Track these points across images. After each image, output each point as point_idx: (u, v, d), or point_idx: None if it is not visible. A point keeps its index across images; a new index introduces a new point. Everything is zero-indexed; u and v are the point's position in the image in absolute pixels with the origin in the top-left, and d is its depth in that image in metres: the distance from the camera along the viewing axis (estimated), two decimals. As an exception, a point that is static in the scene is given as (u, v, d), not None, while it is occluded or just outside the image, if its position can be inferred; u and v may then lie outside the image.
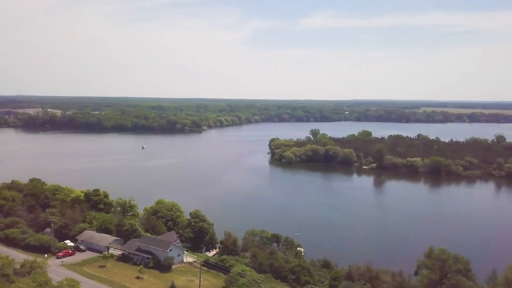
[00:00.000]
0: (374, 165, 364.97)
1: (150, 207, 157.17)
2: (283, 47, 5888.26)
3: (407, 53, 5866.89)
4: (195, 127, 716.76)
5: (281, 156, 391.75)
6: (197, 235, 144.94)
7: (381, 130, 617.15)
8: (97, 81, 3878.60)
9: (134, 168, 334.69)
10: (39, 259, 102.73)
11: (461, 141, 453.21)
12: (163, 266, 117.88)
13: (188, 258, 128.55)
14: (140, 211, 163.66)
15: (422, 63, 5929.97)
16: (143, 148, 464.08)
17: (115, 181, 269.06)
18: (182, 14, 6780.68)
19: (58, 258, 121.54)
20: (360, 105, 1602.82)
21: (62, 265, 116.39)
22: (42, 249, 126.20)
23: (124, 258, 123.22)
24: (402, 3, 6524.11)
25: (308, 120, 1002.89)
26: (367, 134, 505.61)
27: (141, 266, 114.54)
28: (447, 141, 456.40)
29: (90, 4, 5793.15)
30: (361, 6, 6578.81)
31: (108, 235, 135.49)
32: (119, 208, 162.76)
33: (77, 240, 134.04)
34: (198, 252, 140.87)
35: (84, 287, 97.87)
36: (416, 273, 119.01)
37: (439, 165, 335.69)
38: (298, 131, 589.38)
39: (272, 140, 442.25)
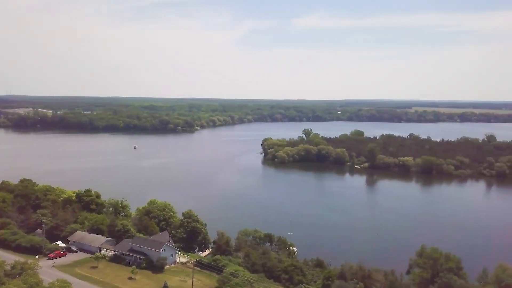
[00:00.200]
0: (366, 164, 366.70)
1: (142, 208, 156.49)
2: (276, 47, 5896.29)
3: (399, 54, 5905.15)
4: (188, 127, 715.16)
5: (274, 156, 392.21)
6: (190, 235, 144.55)
7: (373, 130, 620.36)
8: (88, 81, 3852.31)
9: (127, 168, 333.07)
10: (30, 261, 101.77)
11: (452, 140, 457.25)
12: (155, 267, 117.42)
13: (181, 258, 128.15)
14: (133, 211, 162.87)
15: (413, 63, 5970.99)
16: (135, 148, 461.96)
17: (107, 181, 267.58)
18: (174, 13, 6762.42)
19: (49, 259, 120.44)
20: (352, 105, 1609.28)
21: (53, 266, 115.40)
22: (33, 250, 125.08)
23: (116, 259, 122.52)
24: (393, 3, 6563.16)
25: (300, 120, 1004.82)
26: (359, 133, 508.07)
27: (134, 266, 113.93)
28: (438, 140, 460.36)
29: (82, 4, 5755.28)
30: (354, 6, 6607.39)
31: (100, 236, 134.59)
32: (111, 209, 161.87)
33: (68, 241, 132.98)
34: (191, 252, 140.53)
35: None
36: (408, 272, 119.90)
37: (431, 164, 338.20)
38: (291, 131, 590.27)
39: (265, 140, 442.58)
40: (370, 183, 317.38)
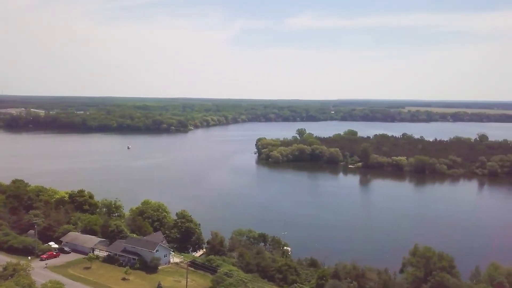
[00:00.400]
0: (359, 164, 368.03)
1: (136, 208, 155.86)
2: (269, 47, 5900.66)
3: (392, 54, 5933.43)
4: (181, 127, 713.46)
5: (268, 156, 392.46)
6: (183, 235, 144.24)
7: (366, 130, 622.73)
8: (81, 81, 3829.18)
9: (120, 169, 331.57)
10: (22, 262, 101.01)
11: (445, 140, 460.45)
12: (149, 267, 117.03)
13: (175, 258, 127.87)
14: (126, 211, 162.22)
15: (407, 64, 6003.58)
16: (128, 148, 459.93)
17: (100, 181, 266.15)
18: (166, 13, 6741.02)
19: (42, 260, 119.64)
20: (345, 104, 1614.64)
21: (46, 267, 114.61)
22: (26, 251, 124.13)
23: (109, 260, 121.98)
24: (386, 3, 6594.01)
25: (294, 120, 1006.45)
26: (352, 133, 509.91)
27: (127, 267, 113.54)
28: (431, 140, 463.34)
29: (73, 3, 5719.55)
30: (347, 6, 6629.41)
31: (94, 237, 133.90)
32: (104, 209, 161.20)
33: (61, 241, 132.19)
34: (185, 253, 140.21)
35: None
36: (401, 271, 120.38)
37: (424, 164, 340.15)
38: (285, 131, 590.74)
39: (258, 140, 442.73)
40: (364, 182, 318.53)
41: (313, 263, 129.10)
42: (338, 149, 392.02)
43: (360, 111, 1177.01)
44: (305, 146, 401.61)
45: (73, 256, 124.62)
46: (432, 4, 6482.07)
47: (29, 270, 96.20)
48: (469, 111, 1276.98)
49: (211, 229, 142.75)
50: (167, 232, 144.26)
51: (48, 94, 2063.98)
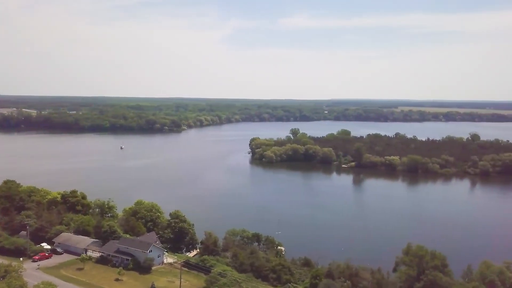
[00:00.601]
0: (353, 163, 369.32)
1: (129, 208, 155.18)
2: (263, 47, 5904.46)
3: (385, 54, 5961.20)
4: (175, 127, 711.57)
5: (262, 156, 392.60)
6: (177, 235, 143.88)
7: (359, 129, 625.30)
8: (74, 80, 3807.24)
9: (113, 169, 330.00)
10: (14, 263, 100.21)
11: (438, 139, 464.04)
12: (143, 268, 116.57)
13: (169, 259, 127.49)
14: (119, 212, 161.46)
15: (399, 63, 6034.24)
16: (121, 148, 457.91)
17: (93, 182, 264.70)
18: (160, 13, 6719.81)
19: (34, 261, 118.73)
20: (339, 104, 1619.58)
21: (38, 268, 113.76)
22: (17, 252, 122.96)
23: (102, 260, 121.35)
24: (380, 3, 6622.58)
25: (288, 120, 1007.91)
26: (346, 133, 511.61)
27: (121, 268, 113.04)
28: (424, 139, 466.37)
29: (66, 2, 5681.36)
30: (341, 6, 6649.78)
31: (86, 237, 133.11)
32: (97, 210, 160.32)
33: (54, 242, 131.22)
34: (179, 253, 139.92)
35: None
36: (394, 270, 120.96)
37: (417, 163, 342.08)
38: (279, 131, 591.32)
39: (252, 140, 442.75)
40: (357, 182, 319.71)
41: (307, 263, 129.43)
42: (331, 148, 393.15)
43: (353, 111, 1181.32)
44: (299, 146, 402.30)
45: (66, 257, 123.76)
46: (426, 5, 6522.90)
47: (21, 272, 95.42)
48: (461, 110, 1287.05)
49: (204, 229, 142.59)
50: (160, 232, 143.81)
51: (40, 94, 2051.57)
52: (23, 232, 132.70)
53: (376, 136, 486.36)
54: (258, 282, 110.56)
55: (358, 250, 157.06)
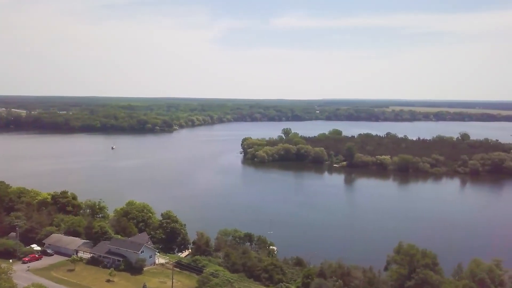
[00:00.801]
0: (344, 163, 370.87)
1: (120, 209, 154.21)
2: (255, 47, 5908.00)
3: (376, 54, 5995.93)
4: (166, 127, 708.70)
5: (254, 156, 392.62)
6: (169, 236, 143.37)
7: (351, 129, 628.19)
8: (64, 80, 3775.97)
9: (104, 169, 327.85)
10: (3, 265, 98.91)
11: (428, 139, 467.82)
12: (134, 268, 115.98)
13: (160, 259, 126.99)
14: (110, 212, 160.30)
15: (390, 63, 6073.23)
16: (112, 148, 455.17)
17: (84, 182, 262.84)
18: (151, 12, 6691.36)
19: (24, 263, 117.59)
20: (330, 104, 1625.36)
21: (28, 270, 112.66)
22: (7, 254, 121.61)
23: (93, 261, 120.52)
24: (371, 4, 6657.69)
25: (280, 120, 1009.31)
26: (337, 133, 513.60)
27: (112, 269, 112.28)
28: (414, 139, 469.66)
29: (57, 1, 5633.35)
30: (332, 7, 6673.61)
31: (77, 238, 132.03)
32: (88, 210, 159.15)
33: (44, 244, 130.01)
34: (171, 253, 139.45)
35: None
36: (386, 268, 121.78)
37: (407, 162, 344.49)
38: (270, 131, 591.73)
39: (244, 140, 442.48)
40: (349, 181, 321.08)
41: (299, 262, 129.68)
42: (323, 148, 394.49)
43: (344, 110, 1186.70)
44: (291, 146, 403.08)
45: (56, 258, 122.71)
46: (417, 5, 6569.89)
47: (10, 274, 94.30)
48: (451, 110, 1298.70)
49: (196, 229, 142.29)
50: (152, 233, 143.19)
51: (29, 93, 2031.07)
52: (12, 234, 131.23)
53: (367, 135, 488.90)
54: (250, 282, 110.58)
55: (350, 249, 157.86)
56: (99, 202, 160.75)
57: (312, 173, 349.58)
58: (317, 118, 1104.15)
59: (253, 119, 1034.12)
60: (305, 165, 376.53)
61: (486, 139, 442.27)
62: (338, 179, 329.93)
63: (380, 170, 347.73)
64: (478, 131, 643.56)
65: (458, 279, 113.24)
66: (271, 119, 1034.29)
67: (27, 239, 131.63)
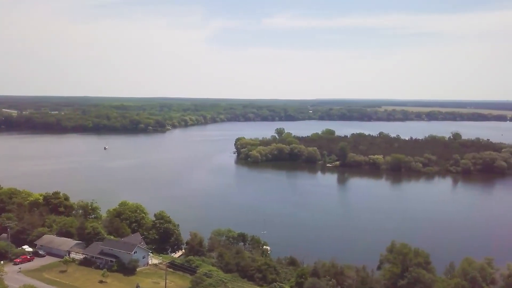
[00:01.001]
0: (337, 163, 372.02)
1: (113, 209, 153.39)
2: (248, 47, 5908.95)
3: (368, 54, 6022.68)
4: (159, 127, 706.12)
5: (247, 155, 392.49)
6: (162, 236, 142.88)
7: (344, 129, 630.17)
8: (55, 80, 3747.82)
9: (96, 170, 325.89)
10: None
11: (420, 138, 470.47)
12: (127, 269, 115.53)
13: (154, 260, 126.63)
14: (103, 213, 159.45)
15: (383, 63, 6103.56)
16: (105, 148, 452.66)
17: (76, 183, 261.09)
18: (144, 12, 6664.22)
19: (15, 264, 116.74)
20: (323, 104, 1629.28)
21: (20, 271, 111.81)
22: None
23: (86, 262, 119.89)
24: (363, 4, 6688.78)
25: (273, 119, 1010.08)
26: (330, 132, 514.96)
27: (105, 269, 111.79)
28: (407, 139, 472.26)
29: (47, 1, 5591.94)
30: (324, 6, 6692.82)
31: (69, 239, 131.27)
32: (80, 211, 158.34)
33: (36, 245, 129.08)
34: (164, 254, 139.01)
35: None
36: (379, 268, 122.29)
37: (400, 162, 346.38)
38: (264, 130, 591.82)
39: (237, 140, 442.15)
40: (342, 181, 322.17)
41: (292, 262, 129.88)
42: (316, 148, 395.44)
43: (337, 110, 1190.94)
44: (284, 146, 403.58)
45: (48, 260, 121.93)
46: (408, 5, 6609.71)
47: (2, 275, 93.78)
48: (443, 110, 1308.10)
49: (190, 229, 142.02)
50: (145, 233, 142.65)
51: (20, 93, 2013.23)
52: (4, 235, 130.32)
53: (360, 135, 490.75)
54: (243, 282, 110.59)
55: (343, 248, 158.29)
56: (92, 202, 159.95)
57: (305, 172, 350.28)
58: (310, 118, 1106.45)
59: (246, 119, 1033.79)
60: (298, 164, 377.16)
61: (478, 139, 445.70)
62: (331, 178, 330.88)
63: (373, 170, 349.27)
64: (469, 130, 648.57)
65: (450, 277, 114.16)
66: (264, 119, 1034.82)
67: (18, 240, 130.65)
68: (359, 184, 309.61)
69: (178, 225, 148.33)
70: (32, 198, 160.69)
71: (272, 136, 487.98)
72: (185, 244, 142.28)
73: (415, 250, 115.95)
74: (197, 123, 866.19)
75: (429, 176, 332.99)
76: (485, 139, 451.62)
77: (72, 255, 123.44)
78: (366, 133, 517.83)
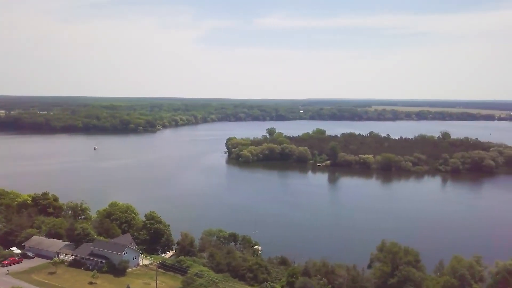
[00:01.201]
0: (328, 162, 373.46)
1: (103, 210, 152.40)
2: (239, 47, 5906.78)
3: (359, 54, 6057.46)
4: (149, 127, 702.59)
5: (238, 155, 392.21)
6: (153, 237, 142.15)
7: (334, 128, 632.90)
8: (44, 80, 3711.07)
9: (86, 170, 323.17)
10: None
11: (410, 138, 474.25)
12: (118, 270, 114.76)
13: (144, 260, 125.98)
14: (93, 214, 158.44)
15: (373, 63, 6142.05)
16: (95, 149, 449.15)
17: (66, 184, 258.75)
18: (134, 12, 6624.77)
19: (3, 266, 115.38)
20: (314, 104, 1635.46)
21: (8, 273, 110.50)
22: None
23: (76, 264, 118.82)
24: (356, 4, 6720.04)
25: (264, 119, 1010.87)
26: (321, 132, 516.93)
27: (95, 271, 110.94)
28: (397, 138, 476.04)
29: (35, 1, 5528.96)
30: (315, 6, 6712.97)
31: (59, 240, 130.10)
32: (70, 212, 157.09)
33: (24, 246, 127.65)
34: (154, 254, 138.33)
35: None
36: (369, 266, 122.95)
37: (390, 161, 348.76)
38: (255, 130, 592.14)
39: (229, 139, 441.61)
40: (332, 180, 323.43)
41: (283, 261, 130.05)
42: (307, 148, 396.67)
43: (328, 110, 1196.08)
44: (275, 145, 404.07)
45: (37, 261, 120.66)
46: (399, 5, 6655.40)
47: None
48: (433, 109, 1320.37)
49: (180, 230, 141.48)
50: (135, 234, 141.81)
51: (8, 93, 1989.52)
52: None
53: (351, 135, 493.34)
54: (235, 282, 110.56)
55: (334, 248, 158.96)
56: (81, 203, 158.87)
57: (296, 172, 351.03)
58: (301, 118, 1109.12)
59: (237, 118, 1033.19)
60: (289, 164, 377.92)
61: (466, 138, 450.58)
62: (322, 178, 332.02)
63: (363, 169, 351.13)
64: (458, 130, 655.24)
65: (439, 275, 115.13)
66: (256, 118, 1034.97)
67: (6, 242, 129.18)
68: (350, 184, 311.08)
69: (168, 225, 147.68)
70: (20, 199, 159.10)
71: (263, 136, 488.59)
72: (176, 245, 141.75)
73: (405, 249, 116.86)
74: (187, 123, 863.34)
75: (419, 175, 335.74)
76: (474, 138, 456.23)
77: (62, 256, 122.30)
78: (357, 132, 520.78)
